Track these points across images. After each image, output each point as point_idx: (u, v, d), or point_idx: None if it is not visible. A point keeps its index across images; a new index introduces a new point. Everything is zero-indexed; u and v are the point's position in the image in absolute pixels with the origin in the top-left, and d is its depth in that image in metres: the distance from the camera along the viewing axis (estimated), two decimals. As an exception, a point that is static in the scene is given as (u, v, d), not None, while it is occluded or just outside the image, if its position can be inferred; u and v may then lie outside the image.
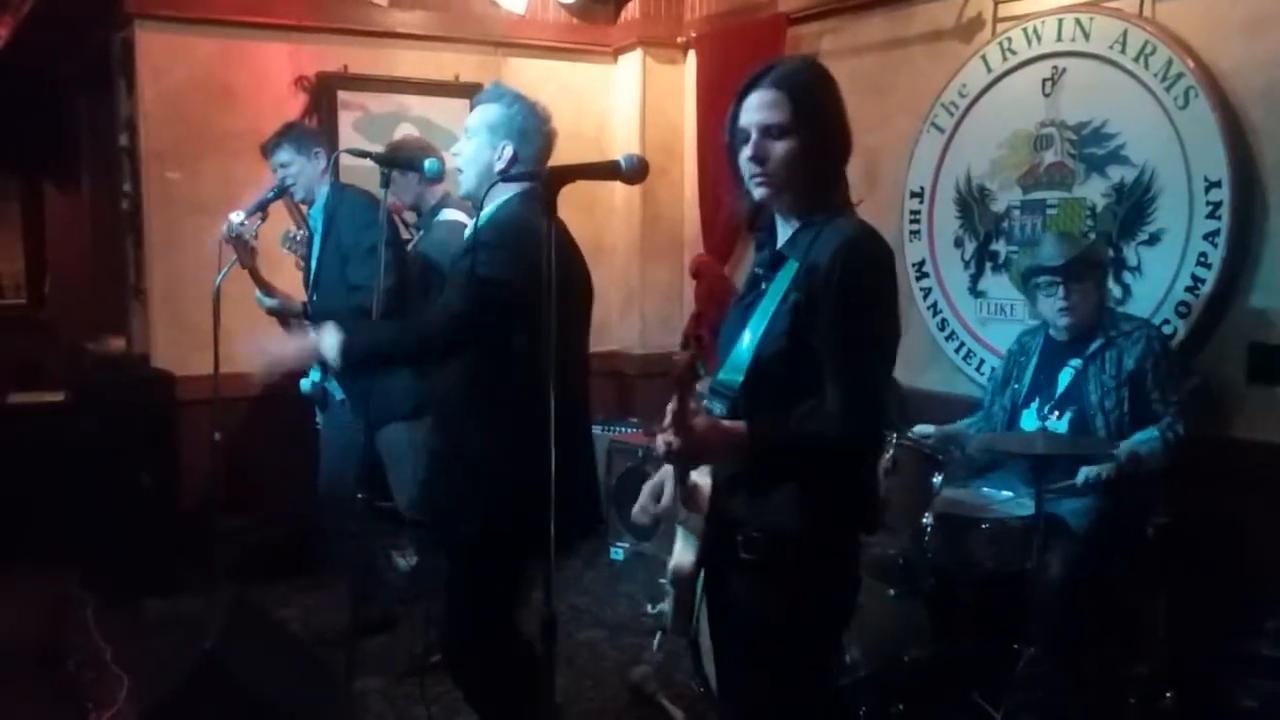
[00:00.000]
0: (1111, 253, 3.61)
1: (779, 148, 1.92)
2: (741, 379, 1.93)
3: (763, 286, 1.99)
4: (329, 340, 2.60)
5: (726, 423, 1.90)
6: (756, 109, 1.94)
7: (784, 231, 2.01)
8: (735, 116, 1.98)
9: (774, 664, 1.95)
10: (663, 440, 1.86)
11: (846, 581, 2.02)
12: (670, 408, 1.84)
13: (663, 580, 2.12)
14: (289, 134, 3.85)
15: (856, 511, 2.01)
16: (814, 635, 1.99)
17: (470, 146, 2.72)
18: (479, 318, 2.51)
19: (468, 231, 2.76)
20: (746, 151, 1.94)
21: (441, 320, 2.61)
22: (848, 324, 1.86)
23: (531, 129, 2.73)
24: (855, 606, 2.06)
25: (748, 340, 1.94)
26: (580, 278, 2.77)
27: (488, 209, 2.63)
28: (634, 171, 1.95)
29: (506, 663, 2.66)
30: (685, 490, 1.98)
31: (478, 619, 2.69)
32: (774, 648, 1.94)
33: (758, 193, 1.96)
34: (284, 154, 3.79)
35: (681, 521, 1.97)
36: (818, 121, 1.93)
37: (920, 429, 3.44)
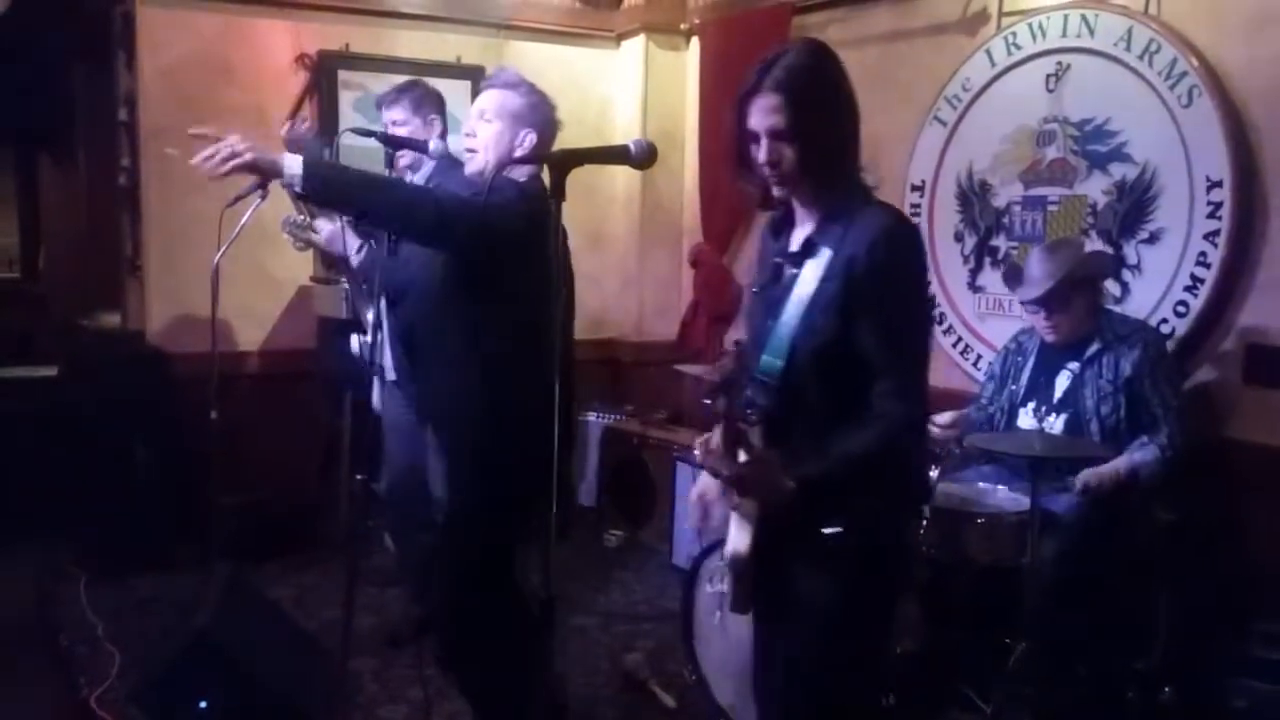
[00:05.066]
0: (1112, 252, 3.61)
1: (789, 150, 1.94)
2: (782, 367, 1.96)
3: (790, 273, 2.01)
4: (291, 160, 2.31)
5: (784, 477, 1.88)
6: (761, 114, 1.94)
7: (806, 218, 2.03)
8: (743, 116, 1.98)
9: (840, 643, 1.99)
10: (713, 463, 1.95)
11: (907, 556, 2.13)
12: (717, 439, 1.93)
13: (720, 563, 2.13)
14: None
15: (913, 487, 2.09)
16: (878, 611, 2.05)
17: (489, 131, 2.72)
18: (473, 237, 2.49)
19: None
20: (760, 155, 1.96)
21: (438, 199, 2.57)
22: (894, 314, 1.91)
23: (553, 119, 2.79)
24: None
25: (784, 330, 1.96)
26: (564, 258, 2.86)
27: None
28: (644, 156, 1.95)
29: (510, 636, 2.68)
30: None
31: (485, 589, 2.74)
32: (841, 625, 1.98)
33: (778, 191, 2.00)
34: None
35: (735, 506, 2.00)
36: (822, 119, 1.95)
37: (938, 419, 3.42)
